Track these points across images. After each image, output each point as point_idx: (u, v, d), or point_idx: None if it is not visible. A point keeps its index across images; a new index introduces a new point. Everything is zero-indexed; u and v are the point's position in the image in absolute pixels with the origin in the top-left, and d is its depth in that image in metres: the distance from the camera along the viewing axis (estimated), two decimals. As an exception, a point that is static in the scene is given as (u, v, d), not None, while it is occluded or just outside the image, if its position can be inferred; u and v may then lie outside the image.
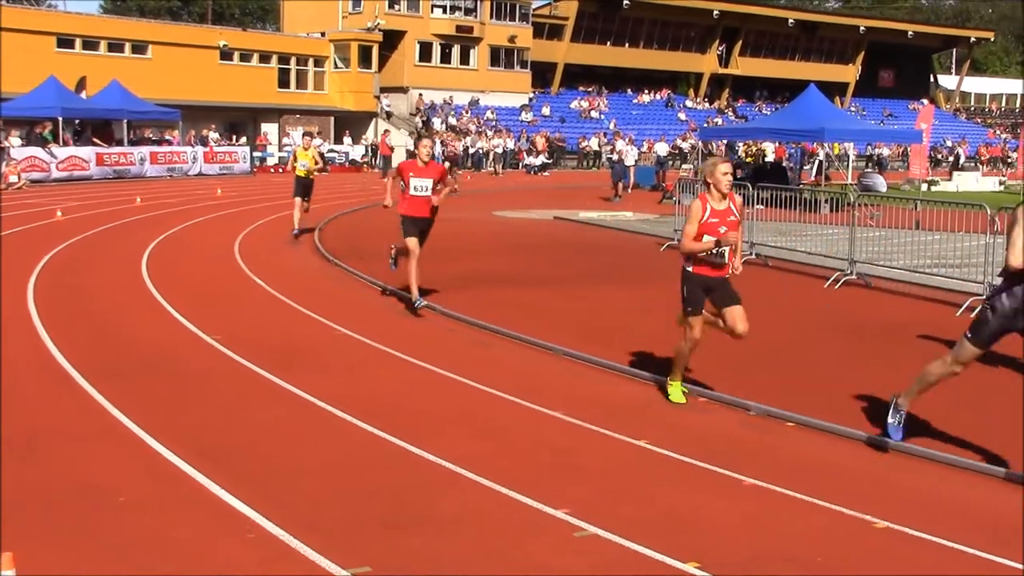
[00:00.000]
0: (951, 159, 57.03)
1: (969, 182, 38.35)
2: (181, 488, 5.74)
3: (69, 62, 40.45)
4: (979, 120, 78.40)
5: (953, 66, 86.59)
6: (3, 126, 33.68)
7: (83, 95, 37.90)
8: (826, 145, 38.87)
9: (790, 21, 66.62)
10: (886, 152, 52.38)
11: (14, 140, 32.92)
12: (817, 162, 37.02)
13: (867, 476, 6.15)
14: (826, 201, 22.15)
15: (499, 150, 48.98)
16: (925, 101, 69.87)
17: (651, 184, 35.86)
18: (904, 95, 74.26)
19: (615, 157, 33.60)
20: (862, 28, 70.30)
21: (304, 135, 20.30)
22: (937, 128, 56.93)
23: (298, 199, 18.52)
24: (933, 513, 5.52)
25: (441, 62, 54.52)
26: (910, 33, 71.85)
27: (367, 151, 47.62)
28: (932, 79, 79.41)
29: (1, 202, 24.06)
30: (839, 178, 36.41)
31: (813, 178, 33.10)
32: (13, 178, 29.54)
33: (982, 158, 61.14)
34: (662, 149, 39.99)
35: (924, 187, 34.42)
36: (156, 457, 6.28)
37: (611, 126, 55.09)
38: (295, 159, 18.65)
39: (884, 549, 5.04)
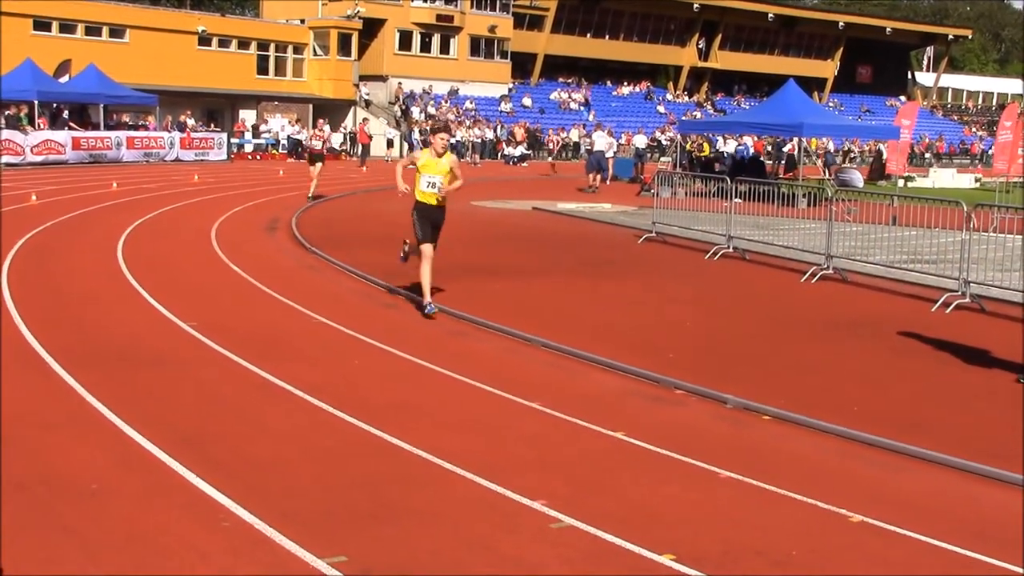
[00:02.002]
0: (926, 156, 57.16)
1: (945, 178, 38.56)
2: (155, 476, 5.70)
3: (46, 45, 40.00)
4: (956, 117, 78.85)
5: (930, 63, 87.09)
6: None
7: (66, 78, 37.49)
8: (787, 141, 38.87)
9: (770, 15, 66.73)
10: (832, 147, 52.50)
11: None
12: (786, 157, 37.05)
13: (843, 470, 6.18)
14: (803, 196, 22.23)
15: (478, 140, 48.92)
16: (903, 98, 70.29)
17: (629, 176, 35.90)
18: (882, 91, 74.64)
19: (589, 147, 33.70)
20: (841, 24, 70.62)
21: (436, 132, 11.14)
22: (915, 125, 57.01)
23: (428, 246, 10.63)
24: (909, 508, 5.55)
25: (421, 51, 54.30)
26: (888, 30, 72.20)
27: (345, 139, 47.43)
28: (910, 76, 79.82)
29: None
30: (815, 172, 36.48)
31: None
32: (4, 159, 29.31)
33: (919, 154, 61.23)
34: (641, 142, 39.99)
35: (901, 183, 34.56)
36: (130, 445, 6.23)
37: (590, 117, 55.08)
38: (414, 168, 10.88)
39: (859, 543, 5.06)
